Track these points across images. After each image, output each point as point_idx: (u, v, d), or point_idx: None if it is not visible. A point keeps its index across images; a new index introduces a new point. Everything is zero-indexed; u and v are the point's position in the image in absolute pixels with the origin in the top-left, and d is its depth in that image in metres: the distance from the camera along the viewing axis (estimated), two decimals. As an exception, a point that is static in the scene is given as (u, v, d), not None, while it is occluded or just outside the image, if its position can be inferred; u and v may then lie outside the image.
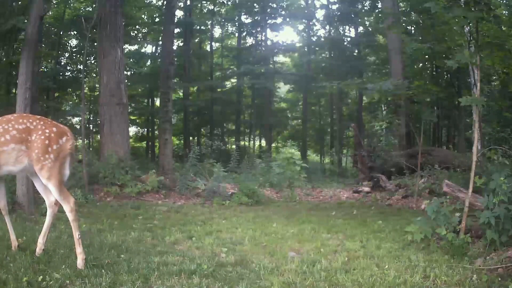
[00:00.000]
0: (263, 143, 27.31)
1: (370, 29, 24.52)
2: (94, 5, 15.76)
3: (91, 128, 21.58)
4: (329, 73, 23.90)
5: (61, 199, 4.40)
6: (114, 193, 10.19)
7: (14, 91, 14.37)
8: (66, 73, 20.48)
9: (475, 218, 5.48)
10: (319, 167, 20.84)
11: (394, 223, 7.33)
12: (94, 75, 20.50)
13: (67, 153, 4.50)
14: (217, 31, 27.24)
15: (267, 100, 24.97)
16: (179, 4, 21.65)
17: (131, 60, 23.38)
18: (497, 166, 6.87)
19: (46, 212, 7.11)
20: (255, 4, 24.33)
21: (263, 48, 25.83)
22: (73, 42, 20.64)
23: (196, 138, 25.35)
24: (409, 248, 5.56)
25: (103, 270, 4.16)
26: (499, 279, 4.23)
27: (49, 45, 18.45)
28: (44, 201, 4.89)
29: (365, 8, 24.77)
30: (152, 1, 23.40)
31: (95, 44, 14.50)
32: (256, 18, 25.15)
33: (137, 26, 22.87)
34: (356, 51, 25.12)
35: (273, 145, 26.75)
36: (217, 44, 27.44)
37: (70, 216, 4.40)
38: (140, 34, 23.90)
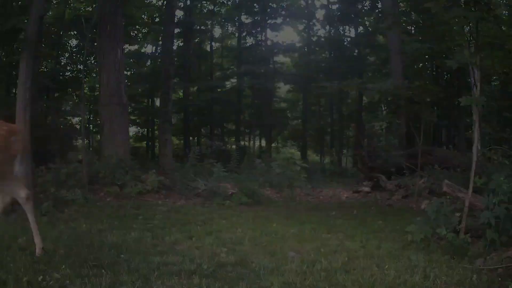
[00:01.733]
0: (263, 143, 27.29)
1: (370, 29, 24.52)
2: (94, 5, 15.77)
3: (91, 128, 21.60)
4: (329, 73, 23.88)
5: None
6: (114, 193, 10.17)
7: (14, 91, 14.39)
8: (66, 73, 20.49)
9: (475, 218, 5.48)
10: (319, 167, 20.82)
11: (394, 223, 7.32)
12: (94, 75, 20.49)
13: (16, 152, 4.61)
14: (217, 31, 27.27)
15: (267, 100, 24.94)
16: (179, 4, 21.68)
17: (131, 60, 23.38)
18: (497, 166, 6.87)
19: (46, 212, 7.12)
20: (255, 4, 24.32)
21: (263, 48, 25.79)
22: (73, 42, 20.67)
23: (196, 138, 25.36)
24: (409, 248, 5.55)
25: (103, 270, 4.16)
26: (499, 279, 4.22)
27: (49, 45, 18.44)
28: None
29: (365, 8, 24.78)
30: (152, 1, 23.42)
31: (95, 44, 14.50)
32: (256, 18, 25.13)
33: (137, 26, 22.89)
34: (356, 51, 25.12)
35: (273, 145, 26.74)
36: (217, 44, 27.45)
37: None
38: (140, 34, 23.92)
